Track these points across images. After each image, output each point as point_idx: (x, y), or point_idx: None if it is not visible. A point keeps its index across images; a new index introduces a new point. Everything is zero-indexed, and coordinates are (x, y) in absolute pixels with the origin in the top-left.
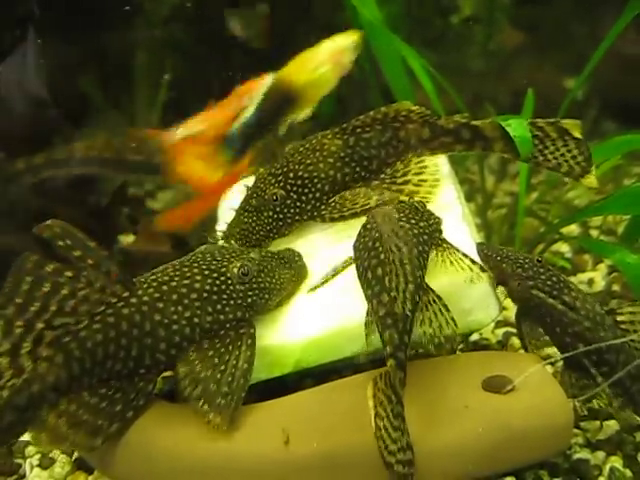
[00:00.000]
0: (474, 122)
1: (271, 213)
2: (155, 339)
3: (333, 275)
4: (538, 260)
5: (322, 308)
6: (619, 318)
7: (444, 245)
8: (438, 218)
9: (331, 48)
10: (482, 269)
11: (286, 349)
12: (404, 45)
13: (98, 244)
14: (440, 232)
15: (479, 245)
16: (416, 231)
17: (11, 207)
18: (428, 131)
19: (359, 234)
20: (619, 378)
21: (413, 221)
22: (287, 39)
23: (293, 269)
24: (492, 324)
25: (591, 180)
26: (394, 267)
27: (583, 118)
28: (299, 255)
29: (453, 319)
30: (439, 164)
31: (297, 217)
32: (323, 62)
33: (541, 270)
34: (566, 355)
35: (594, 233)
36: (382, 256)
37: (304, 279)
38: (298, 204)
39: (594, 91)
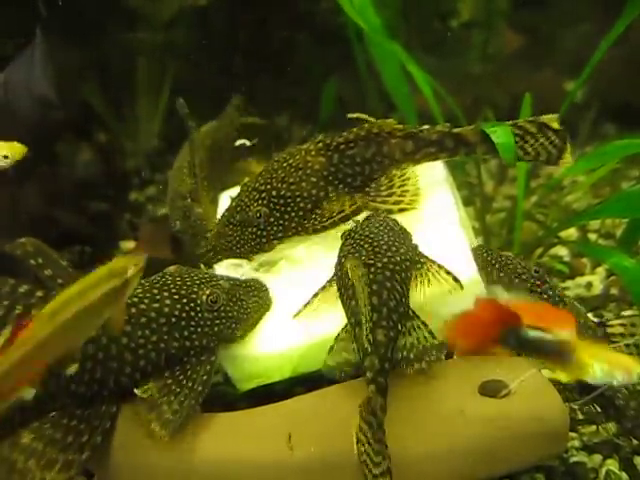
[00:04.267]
0: (455, 130)
1: (255, 229)
2: (121, 363)
3: (314, 297)
4: (536, 271)
5: (319, 315)
6: (609, 330)
7: (421, 260)
8: (410, 234)
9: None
10: (455, 280)
11: (284, 355)
12: (402, 51)
13: (70, 263)
14: (416, 248)
15: (476, 248)
16: (398, 258)
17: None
18: (412, 144)
19: (338, 262)
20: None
21: (394, 248)
22: (286, 43)
23: (260, 299)
24: None
25: (567, 159)
26: (377, 299)
27: (582, 121)
28: (265, 286)
29: (439, 346)
30: (418, 174)
31: (280, 234)
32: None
33: (538, 282)
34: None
35: (592, 236)
36: (367, 288)
37: (268, 309)
38: (281, 222)
39: (593, 93)
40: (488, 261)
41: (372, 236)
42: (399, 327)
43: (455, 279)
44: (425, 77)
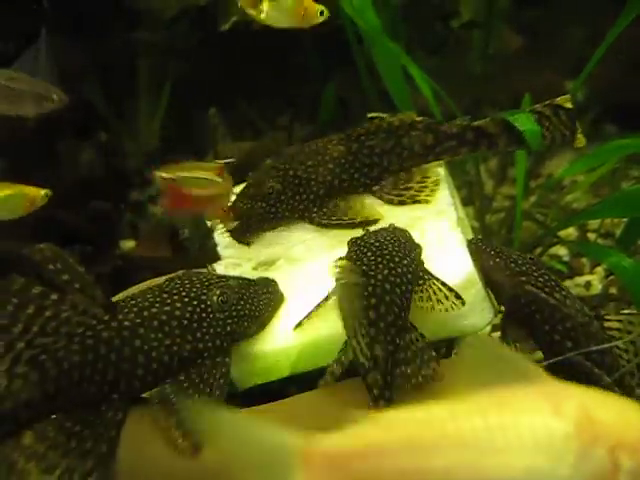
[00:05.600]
0: (476, 123)
1: (264, 205)
2: (133, 365)
3: (317, 309)
4: (530, 258)
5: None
6: (607, 324)
7: (425, 277)
8: (419, 247)
9: None
10: (457, 296)
11: (283, 354)
12: (403, 52)
13: (86, 269)
14: (422, 263)
15: (470, 240)
16: (399, 270)
17: None
18: (432, 137)
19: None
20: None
21: (397, 259)
22: (287, 44)
23: (270, 294)
24: (488, 327)
25: (580, 139)
26: (374, 313)
27: (584, 120)
28: (274, 282)
29: (435, 358)
30: (438, 168)
31: (288, 214)
32: None
33: (534, 267)
34: (565, 357)
35: (592, 236)
36: (365, 302)
37: (280, 306)
38: (291, 202)
39: (594, 93)
40: (483, 249)
41: (377, 245)
42: (397, 341)
43: (457, 296)
44: (425, 78)
